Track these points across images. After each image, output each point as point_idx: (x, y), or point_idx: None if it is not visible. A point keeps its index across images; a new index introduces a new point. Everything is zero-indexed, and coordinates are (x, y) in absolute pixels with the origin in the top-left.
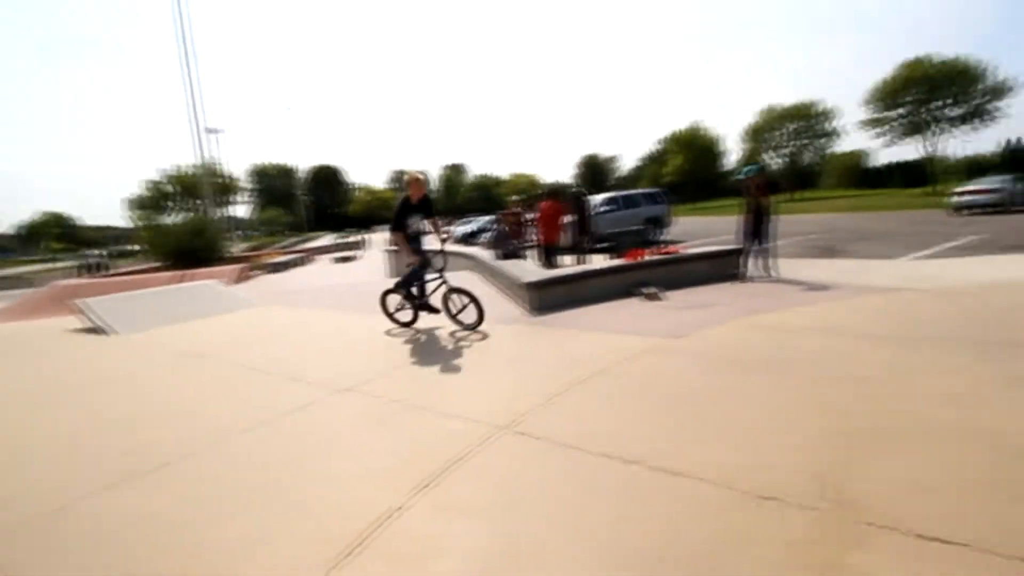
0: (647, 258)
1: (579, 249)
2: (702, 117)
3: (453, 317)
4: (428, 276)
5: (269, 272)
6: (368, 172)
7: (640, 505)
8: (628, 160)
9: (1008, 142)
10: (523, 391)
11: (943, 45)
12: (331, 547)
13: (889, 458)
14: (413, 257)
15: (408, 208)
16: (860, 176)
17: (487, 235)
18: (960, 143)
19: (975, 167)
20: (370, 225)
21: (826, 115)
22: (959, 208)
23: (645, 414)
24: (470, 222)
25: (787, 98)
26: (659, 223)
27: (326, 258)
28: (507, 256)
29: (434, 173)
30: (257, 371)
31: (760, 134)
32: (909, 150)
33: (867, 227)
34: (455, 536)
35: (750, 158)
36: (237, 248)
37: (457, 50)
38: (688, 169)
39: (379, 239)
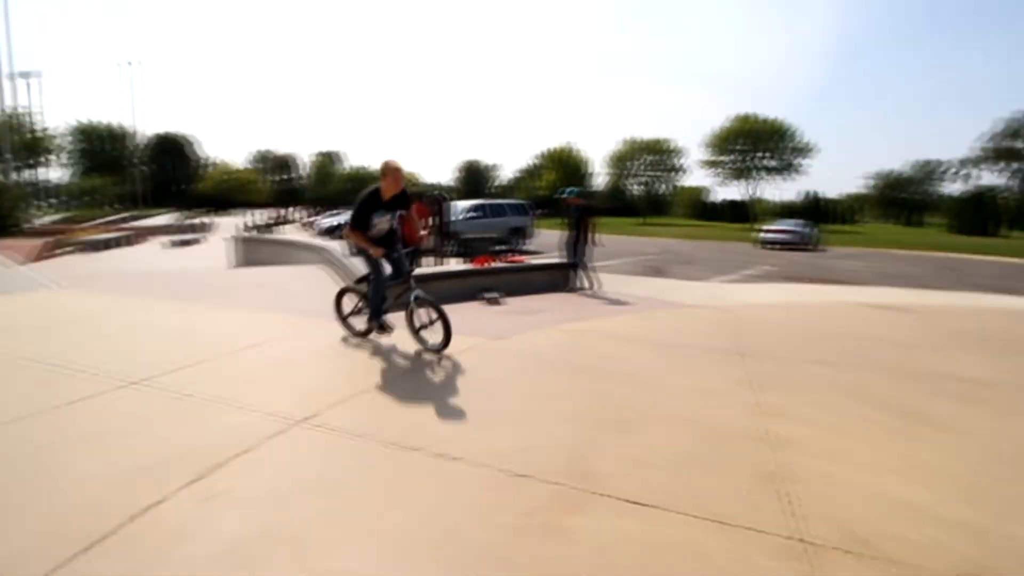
0: (494, 265)
1: (437, 252)
2: (575, 138)
3: (415, 333)
4: (392, 280)
5: (84, 250)
6: (227, 148)
7: (412, 487)
8: (509, 170)
9: (807, 193)
10: (335, 386)
11: (766, 107)
12: (66, 544)
13: (631, 441)
14: (376, 248)
15: (376, 204)
16: (701, 208)
17: None
18: (775, 190)
19: (786, 211)
20: (226, 207)
21: (676, 152)
22: (764, 243)
23: (445, 406)
24: (338, 215)
25: (647, 132)
26: (522, 233)
27: (162, 240)
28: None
29: (305, 158)
30: (31, 362)
31: (623, 161)
32: (739, 190)
33: (694, 253)
34: (211, 524)
35: (615, 183)
36: (44, 219)
37: (341, 33)
38: (560, 186)
39: (230, 224)
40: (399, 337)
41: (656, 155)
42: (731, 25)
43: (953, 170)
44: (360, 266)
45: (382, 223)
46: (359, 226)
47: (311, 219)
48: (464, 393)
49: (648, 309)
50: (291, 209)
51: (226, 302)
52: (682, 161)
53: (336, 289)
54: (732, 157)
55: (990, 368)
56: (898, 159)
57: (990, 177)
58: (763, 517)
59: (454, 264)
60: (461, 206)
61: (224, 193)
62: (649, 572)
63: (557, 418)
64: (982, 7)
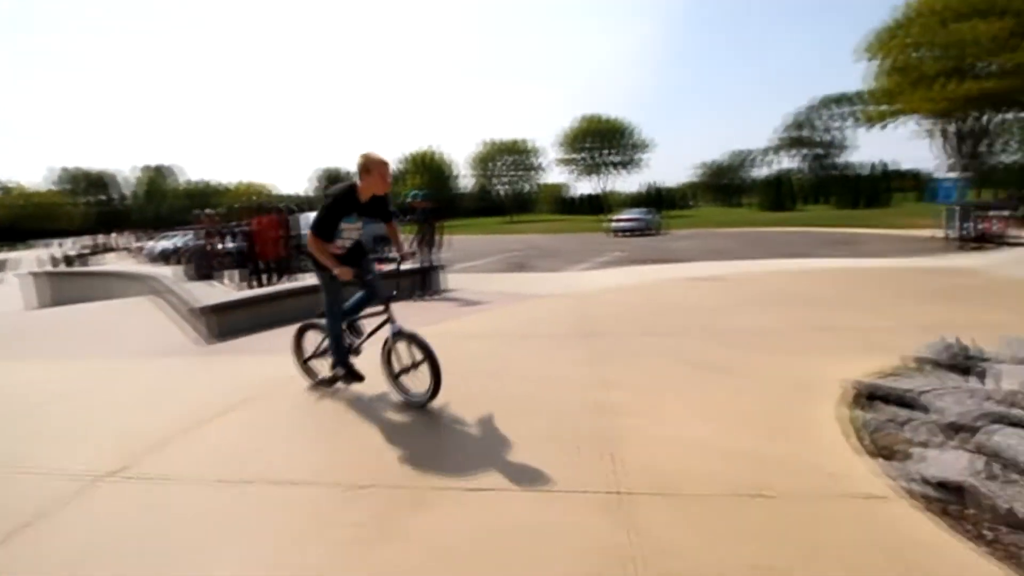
0: None
1: (286, 268)
2: (438, 141)
3: (394, 379)
4: (366, 309)
5: None
6: (20, 167)
7: (245, 521)
8: None
9: (649, 184)
10: (154, 430)
11: (611, 107)
12: None
13: (481, 433)
14: (343, 267)
15: (350, 206)
16: (563, 203)
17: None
18: (623, 183)
19: (633, 201)
20: (25, 238)
21: (534, 152)
22: (615, 232)
23: (281, 432)
24: (173, 236)
25: (508, 134)
26: (387, 241)
27: None
28: (202, 277)
29: (128, 174)
30: None
31: (485, 163)
32: (592, 184)
33: (555, 246)
34: None
35: (481, 185)
36: None
37: (171, 30)
38: (427, 189)
39: (32, 258)
40: (239, 371)
41: (516, 155)
42: (579, 31)
43: (759, 157)
44: (200, 292)
45: (351, 231)
46: (323, 234)
47: (140, 244)
48: (303, 415)
49: (508, 304)
50: (113, 235)
51: (17, 352)
52: (541, 160)
53: (163, 323)
54: (583, 155)
55: (775, 319)
56: (720, 149)
57: (788, 162)
58: (590, 479)
59: (310, 280)
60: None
61: (21, 222)
62: (484, 553)
63: (408, 425)
64: (783, 16)
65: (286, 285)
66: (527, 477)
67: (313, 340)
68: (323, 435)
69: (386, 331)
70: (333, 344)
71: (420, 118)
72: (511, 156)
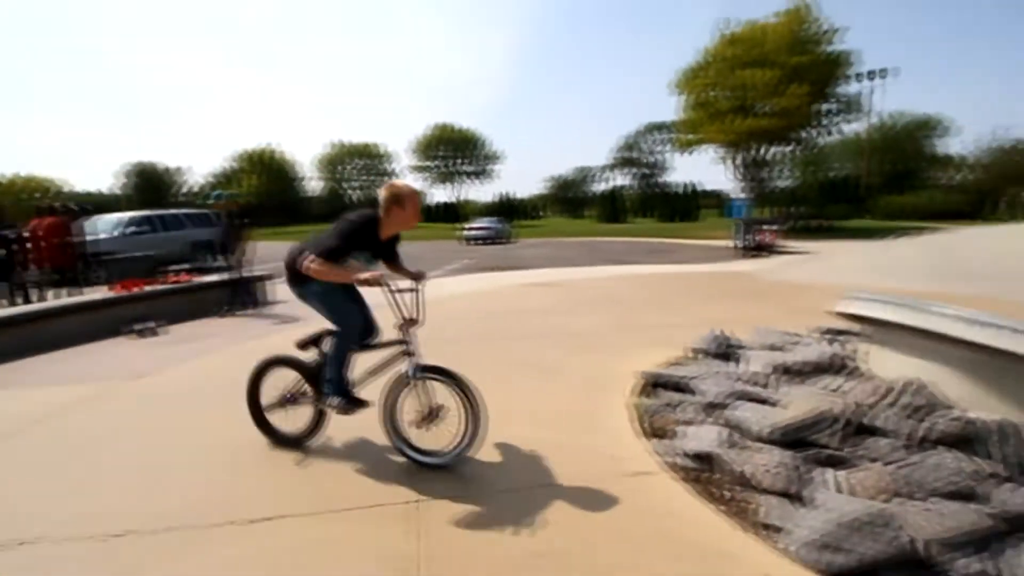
0: (147, 289)
1: (71, 280)
2: (278, 139)
3: (402, 433)
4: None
5: None
6: None
7: None
8: (200, 175)
9: (501, 195)
10: None
11: (466, 118)
12: None
13: (274, 459)
14: (360, 272)
15: (368, 241)
16: (422, 211)
17: None
18: (477, 192)
19: (487, 210)
20: None
21: (387, 157)
22: (468, 240)
23: (20, 484)
24: None
25: (356, 136)
26: (212, 248)
27: None
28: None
29: None
30: None
31: (334, 165)
32: (449, 193)
33: (408, 252)
34: None
35: (331, 189)
36: None
37: None
38: (266, 191)
39: None
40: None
41: (367, 159)
42: (432, 40)
43: (599, 174)
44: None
45: (357, 264)
46: (332, 258)
47: None
48: (52, 458)
49: None
50: None
51: None
52: (394, 166)
53: None
54: (437, 163)
55: (598, 320)
56: (567, 164)
57: (621, 179)
58: (392, 491)
59: (100, 293)
60: (113, 220)
61: None
62: None
63: (186, 459)
64: (623, 43)
65: (63, 300)
66: (324, 498)
67: (280, 382)
68: (76, 480)
69: (402, 367)
70: (334, 370)
71: (256, 114)
72: (362, 160)
